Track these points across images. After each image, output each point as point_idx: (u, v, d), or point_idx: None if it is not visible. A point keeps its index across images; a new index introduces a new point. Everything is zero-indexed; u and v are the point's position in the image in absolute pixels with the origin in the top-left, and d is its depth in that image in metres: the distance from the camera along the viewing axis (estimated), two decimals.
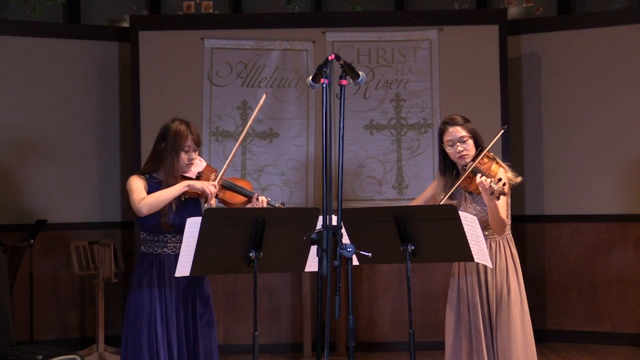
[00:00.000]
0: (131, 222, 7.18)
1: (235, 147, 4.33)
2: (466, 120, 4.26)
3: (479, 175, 3.99)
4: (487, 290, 4.15)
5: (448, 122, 4.25)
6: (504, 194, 3.91)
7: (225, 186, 4.11)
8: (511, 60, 7.37)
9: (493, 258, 4.12)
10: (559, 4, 7.97)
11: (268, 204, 4.07)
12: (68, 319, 7.32)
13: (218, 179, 4.08)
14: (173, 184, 4.00)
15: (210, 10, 8.08)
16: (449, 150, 4.23)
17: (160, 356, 3.95)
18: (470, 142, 4.21)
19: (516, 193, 7.39)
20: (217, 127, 7.13)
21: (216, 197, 4.09)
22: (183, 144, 4.03)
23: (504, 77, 7.16)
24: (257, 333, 3.61)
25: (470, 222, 3.74)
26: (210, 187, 3.97)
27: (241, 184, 4.18)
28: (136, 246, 7.04)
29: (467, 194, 4.21)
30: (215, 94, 7.18)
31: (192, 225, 3.60)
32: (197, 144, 4.09)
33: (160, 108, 7.12)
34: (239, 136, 7.14)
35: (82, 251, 6.87)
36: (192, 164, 4.08)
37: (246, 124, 7.20)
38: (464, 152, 4.19)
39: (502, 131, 4.26)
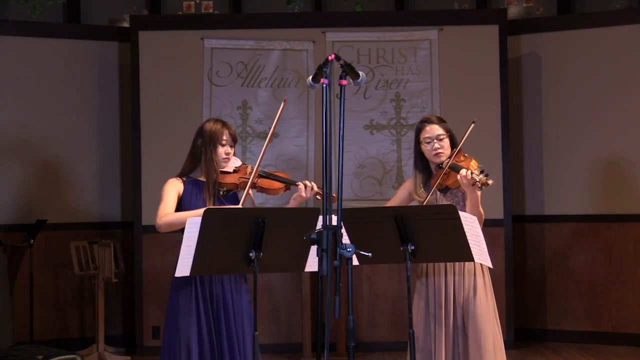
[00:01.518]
0: (131, 222, 7.18)
1: (266, 143, 4.33)
2: (442, 120, 4.35)
3: (462, 169, 4.06)
4: (455, 292, 4.17)
5: (425, 121, 4.34)
6: (487, 185, 3.99)
7: (262, 175, 4.18)
8: (511, 60, 7.37)
9: None
10: (559, 4, 7.97)
11: (318, 192, 4.10)
12: (68, 319, 7.32)
13: (255, 169, 4.13)
14: (214, 179, 4.09)
15: (210, 10, 8.08)
16: (425, 147, 4.29)
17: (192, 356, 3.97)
18: (447, 140, 4.28)
19: (516, 193, 7.44)
20: None
21: (254, 187, 4.14)
22: (220, 138, 4.12)
23: (504, 77, 7.16)
24: (257, 333, 3.62)
25: (470, 222, 3.74)
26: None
27: (278, 174, 4.26)
28: (136, 246, 7.04)
29: (438, 192, 4.25)
30: (215, 94, 7.19)
31: (192, 225, 3.60)
32: (234, 140, 4.18)
33: (160, 108, 7.12)
34: (239, 136, 7.17)
35: (82, 251, 6.86)
36: (229, 158, 4.16)
37: (246, 124, 7.23)
38: (440, 150, 4.26)
39: (472, 125, 4.27)
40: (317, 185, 4.14)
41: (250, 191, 4.19)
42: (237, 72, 7.20)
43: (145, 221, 6.96)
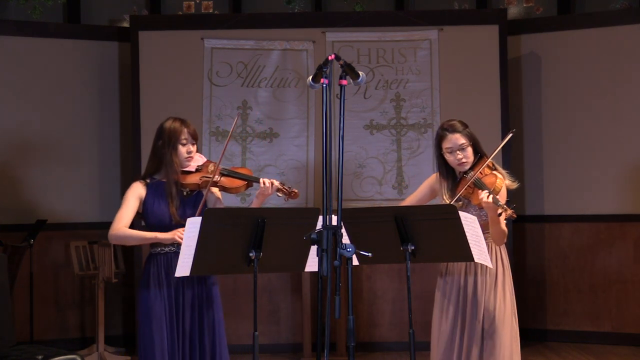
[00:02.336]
0: (131, 222, 7.16)
1: (227, 140, 4.34)
2: (465, 126, 4.20)
3: (484, 192, 3.94)
4: (477, 292, 4.14)
5: (447, 129, 4.17)
6: (513, 218, 3.87)
7: (223, 173, 4.13)
8: (511, 60, 7.37)
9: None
10: (559, 4, 7.97)
11: (279, 188, 4.07)
12: (68, 319, 7.32)
13: (216, 167, 4.09)
14: (175, 180, 4.04)
15: (210, 10, 8.08)
16: (448, 157, 4.18)
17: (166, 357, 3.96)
18: (470, 149, 4.16)
19: (516, 193, 7.43)
20: (217, 127, 7.13)
21: (216, 185, 4.10)
22: (179, 137, 4.07)
23: (504, 77, 7.16)
24: (257, 333, 3.61)
25: (470, 222, 3.74)
26: (179, 236, 3.90)
27: (240, 170, 4.20)
28: (135, 246, 7.03)
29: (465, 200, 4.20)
30: (215, 94, 7.19)
31: (193, 225, 3.60)
32: (194, 137, 4.13)
33: (160, 108, 7.11)
34: (239, 136, 7.17)
35: (82, 251, 6.87)
36: (191, 157, 4.11)
37: (246, 124, 7.22)
38: (464, 160, 4.15)
39: (511, 135, 4.21)
40: (277, 181, 4.09)
41: (214, 190, 4.14)
42: (237, 72, 7.20)
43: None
